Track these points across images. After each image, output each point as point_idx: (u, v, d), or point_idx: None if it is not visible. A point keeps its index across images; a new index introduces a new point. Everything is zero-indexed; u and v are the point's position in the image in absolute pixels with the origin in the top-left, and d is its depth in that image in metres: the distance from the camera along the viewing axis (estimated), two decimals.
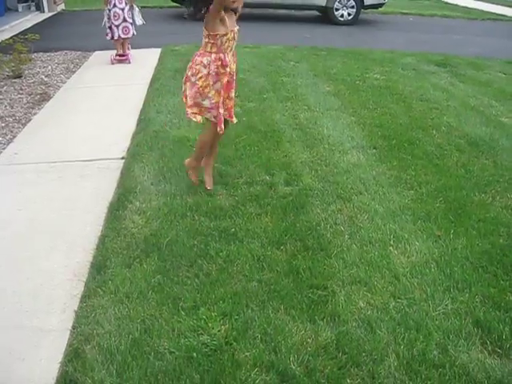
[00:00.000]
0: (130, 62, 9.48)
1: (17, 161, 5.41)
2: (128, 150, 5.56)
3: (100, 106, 7.08)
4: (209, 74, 4.26)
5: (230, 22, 4.21)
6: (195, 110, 4.38)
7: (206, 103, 4.32)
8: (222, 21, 4.13)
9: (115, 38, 9.23)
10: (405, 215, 4.34)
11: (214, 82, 4.29)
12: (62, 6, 17.07)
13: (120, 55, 9.51)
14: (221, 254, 3.74)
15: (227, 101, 4.50)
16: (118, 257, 3.72)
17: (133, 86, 8.02)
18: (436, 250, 3.89)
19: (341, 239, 3.97)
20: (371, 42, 12.40)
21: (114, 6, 8.98)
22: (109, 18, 9.11)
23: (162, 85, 7.77)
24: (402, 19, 16.79)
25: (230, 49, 4.29)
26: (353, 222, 4.20)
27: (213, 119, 4.38)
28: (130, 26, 9.19)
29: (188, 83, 4.38)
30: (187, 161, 4.69)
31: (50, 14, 15.90)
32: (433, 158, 5.50)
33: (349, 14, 14.87)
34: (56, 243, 3.94)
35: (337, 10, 14.82)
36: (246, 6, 14.19)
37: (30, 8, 16.30)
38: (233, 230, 4.03)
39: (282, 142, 5.73)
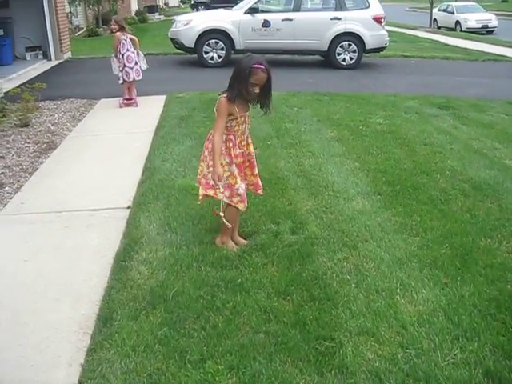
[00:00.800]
0: (137, 105, 9.92)
1: (24, 210, 5.46)
2: (134, 199, 5.60)
3: (105, 155, 7.17)
4: (220, 153, 4.32)
5: (241, 106, 4.28)
6: (210, 191, 4.41)
7: (221, 184, 4.34)
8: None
9: (130, 79, 9.69)
10: (411, 262, 4.34)
11: (229, 164, 4.35)
12: (68, 54, 17.40)
13: (127, 99, 9.92)
14: (227, 305, 3.74)
15: (252, 177, 4.64)
16: (125, 309, 3.72)
17: (138, 133, 8.12)
18: (443, 297, 3.87)
19: (347, 288, 3.96)
20: (373, 85, 12.53)
21: (127, 50, 9.65)
22: (120, 62, 9.59)
23: (167, 133, 7.85)
24: (403, 62, 16.99)
25: (241, 132, 4.38)
26: (359, 271, 4.20)
27: (225, 200, 4.40)
28: (140, 70, 9.79)
29: (204, 163, 4.46)
30: (217, 240, 4.62)
31: (57, 62, 16.21)
32: (438, 203, 5.52)
33: (351, 58, 15.08)
34: (62, 295, 3.95)
35: (339, 54, 15.04)
36: (249, 51, 14.54)
37: (37, 56, 16.65)
38: (239, 280, 4.03)
39: (286, 190, 5.76)
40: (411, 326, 3.55)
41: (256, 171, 4.66)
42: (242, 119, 4.33)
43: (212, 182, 4.32)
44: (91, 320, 3.64)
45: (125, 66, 9.66)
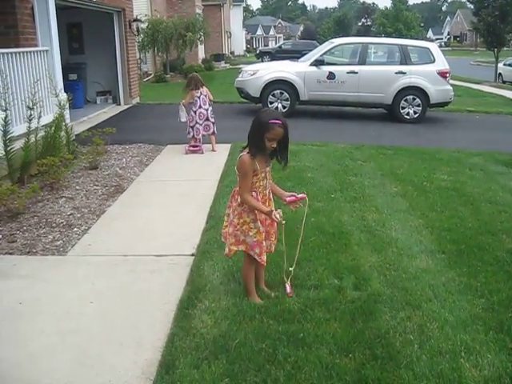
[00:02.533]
0: (202, 153, 10.22)
1: (91, 252, 5.63)
2: (198, 246, 5.69)
3: (171, 201, 7.34)
4: (243, 211, 4.40)
5: (262, 162, 4.34)
6: (242, 247, 4.47)
7: (249, 240, 4.42)
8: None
9: (199, 137, 10.16)
10: (476, 325, 4.25)
11: (253, 221, 4.40)
12: (136, 99, 17.94)
13: (193, 146, 10.27)
14: (289, 359, 3.74)
15: (273, 236, 4.64)
16: (187, 357, 3.76)
17: (203, 181, 8.28)
18: (510, 364, 3.77)
19: (410, 349, 3.91)
20: (437, 140, 12.47)
21: (200, 107, 10.16)
22: (193, 119, 10.08)
23: (232, 181, 7.93)
24: (467, 117, 16.83)
25: (262, 187, 4.42)
26: (422, 331, 4.14)
27: (256, 257, 4.46)
28: (211, 125, 10.35)
29: (229, 220, 4.57)
30: (247, 298, 4.63)
31: (126, 107, 16.75)
32: (504, 265, 5.41)
33: (415, 112, 15.05)
34: (126, 339, 4.02)
35: (403, 108, 15.03)
36: (312, 103, 14.74)
37: (107, 100, 17.28)
38: (301, 334, 4.03)
39: (350, 245, 5.76)
40: None
41: (276, 227, 4.65)
42: (263, 175, 4.37)
43: (242, 238, 4.41)
44: (154, 366, 3.69)
45: (196, 122, 10.17)
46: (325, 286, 4.81)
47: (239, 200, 4.40)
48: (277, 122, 4.17)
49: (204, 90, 10.29)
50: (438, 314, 4.39)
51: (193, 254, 5.51)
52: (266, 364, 3.69)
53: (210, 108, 10.34)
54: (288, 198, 4.46)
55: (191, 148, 10.34)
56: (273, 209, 4.35)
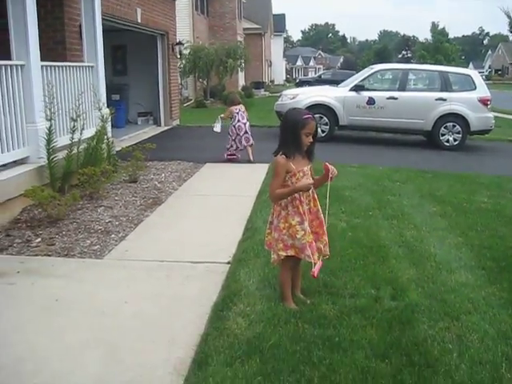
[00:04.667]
0: (238, 159, 11.39)
1: (127, 257, 5.67)
2: (234, 255, 5.68)
3: (208, 214, 7.36)
4: (288, 214, 4.38)
5: (299, 162, 4.33)
6: (291, 251, 4.42)
7: (298, 243, 4.38)
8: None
9: (240, 147, 11.21)
10: None
11: (300, 223, 4.36)
12: (177, 122, 18.20)
13: (231, 154, 11.35)
14: (324, 361, 3.68)
15: (324, 236, 4.58)
16: (220, 355, 3.73)
17: (241, 197, 8.30)
18: None
19: (449, 357, 3.82)
20: (477, 167, 12.30)
21: (238, 121, 11.15)
22: (233, 133, 11.14)
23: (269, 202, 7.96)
24: (508, 146, 16.60)
25: None
26: (461, 341, 4.04)
27: (308, 259, 4.41)
28: (250, 137, 11.24)
29: (272, 226, 4.52)
30: (283, 303, 4.57)
31: (166, 128, 17.01)
32: None
33: (454, 140, 14.92)
34: (159, 337, 4.01)
35: (443, 135, 14.92)
36: (351, 128, 14.77)
37: (148, 121, 17.56)
38: (337, 339, 3.97)
39: (387, 258, 5.69)
40: None
41: (325, 229, 4.58)
42: (301, 174, 4.33)
43: (290, 242, 4.37)
44: (186, 363, 3.67)
45: (237, 135, 11.09)
46: (361, 295, 4.74)
47: (283, 204, 4.39)
48: (309, 116, 4.23)
49: (242, 107, 11.40)
50: (478, 326, 4.29)
51: (229, 262, 5.50)
52: (300, 365, 3.64)
53: (248, 123, 11.30)
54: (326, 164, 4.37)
55: (229, 156, 11.31)
56: (305, 183, 4.27)
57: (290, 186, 4.32)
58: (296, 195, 4.35)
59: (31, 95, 7.46)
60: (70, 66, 8.83)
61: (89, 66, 9.59)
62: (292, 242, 4.39)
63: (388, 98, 14.99)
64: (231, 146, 11.22)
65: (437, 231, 6.75)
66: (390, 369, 3.65)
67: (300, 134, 4.21)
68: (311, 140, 4.28)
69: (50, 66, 8.13)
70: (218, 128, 11.49)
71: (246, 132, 11.15)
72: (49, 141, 7.45)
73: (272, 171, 4.39)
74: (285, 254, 4.42)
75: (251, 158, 11.24)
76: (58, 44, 10.04)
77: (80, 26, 10.09)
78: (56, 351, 3.81)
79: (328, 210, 4.50)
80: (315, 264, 4.38)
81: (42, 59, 7.75)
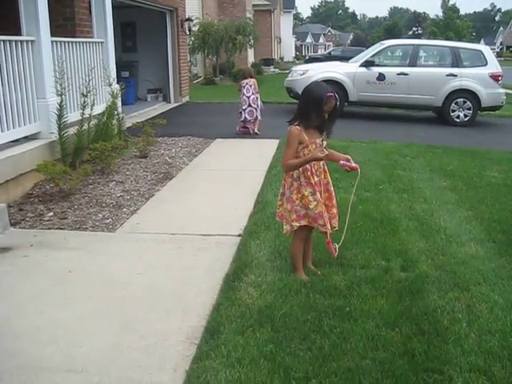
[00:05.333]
0: (252, 133, 11.70)
1: (139, 230, 5.71)
2: (245, 228, 5.72)
3: (219, 188, 7.39)
4: (301, 185, 4.43)
5: (312, 134, 4.38)
6: (304, 221, 4.49)
7: (311, 213, 4.43)
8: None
9: (242, 119, 11.59)
10: None
11: (312, 193, 4.41)
12: (186, 98, 18.17)
13: (243, 127, 11.75)
14: (334, 330, 3.73)
15: (333, 209, 4.63)
16: (232, 324, 3.79)
17: (251, 171, 8.32)
18: None
19: (458, 326, 3.85)
20: (488, 142, 12.23)
21: (243, 94, 11.46)
22: (240, 105, 11.63)
23: (280, 172, 7.94)
24: None
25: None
26: (471, 311, 4.08)
27: (321, 228, 4.48)
28: (254, 111, 11.48)
29: (284, 198, 4.57)
30: (294, 274, 4.64)
31: (176, 105, 16.99)
32: None
33: (465, 116, 14.83)
34: (171, 307, 4.07)
35: (453, 111, 14.83)
36: (361, 104, 14.72)
37: (157, 98, 17.55)
38: (347, 308, 4.02)
39: (397, 231, 5.72)
40: None
41: (334, 201, 4.65)
42: (313, 146, 4.36)
43: (303, 212, 4.43)
44: (199, 332, 3.72)
45: (249, 105, 11.42)
46: (372, 266, 4.79)
47: (294, 175, 4.43)
48: (332, 94, 4.24)
49: (251, 80, 11.56)
50: (488, 297, 4.32)
51: (239, 235, 5.54)
52: (311, 334, 3.69)
53: (253, 96, 11.46)
54: (342, 162, 4.42)
55: (241, 129, 11.73)
56: (317, 153, 4.31)
57: (303, 157, 4.35)
58: (307, 166, 4.38)
59: (42, 71, 7.48)
60: (79, 42, 8.83)
61: (99, 42, 9.57)
62: (305, 211, 4.44)
63: (398, 74, 14.89)
64: (240, 116, 11.61)
65: (447, 205, 6.76)
66: (400, 337, 3.69)
67: (321, 110, 4.25)
68: (327, 117, 4.32)
69: (61, 42, 8.12)
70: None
71: (249, 105, 11.38)
72: (60, 116, 7.47)
73: (286, 140, 4.42)
74: (298, 224, 4.46)
75: (254, 130, 11.69)
76: (67, 20, 10.01)
77: (89, 1, 10.06)
78: (71, 321, 3.87)
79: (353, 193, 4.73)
80: (328, 233, 4.47)
81: (51, 35, 7.75)
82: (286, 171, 4.52)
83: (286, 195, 4.53)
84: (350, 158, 4.47)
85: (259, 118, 11.66)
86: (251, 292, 4.25)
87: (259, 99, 11.68)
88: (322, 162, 4.49)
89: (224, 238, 5.47)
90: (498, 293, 4.40)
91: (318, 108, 4.25)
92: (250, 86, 11.45)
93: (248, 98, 11.38)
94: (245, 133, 11.65)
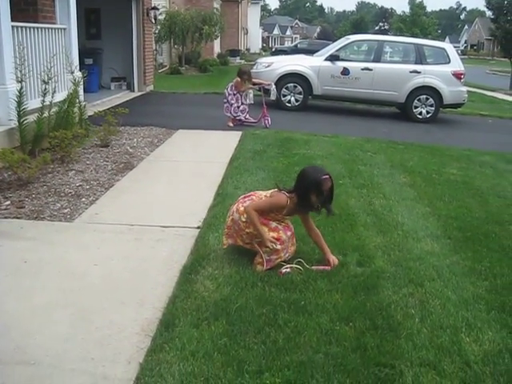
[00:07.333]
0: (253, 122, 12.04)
1: (97, 220, 5.66)
2: (204, 220, 5.72)
3: (180, 179, 7.37)
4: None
5: (292, 212, 4.68)
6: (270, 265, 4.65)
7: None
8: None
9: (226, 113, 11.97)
10: (478, 304, 4.25)
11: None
12: (150, 87, 18.02)
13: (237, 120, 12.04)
14: (289, 324, 3.76)
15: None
16: (187, 317, 3.79)
17: (213, 163, 8.30)
18: (510, 340, 3.78)
19: (411, 322, 3.92)
20: (448, 139, 12.44)
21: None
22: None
23: (241, 164, 8.01)
24: (480, 120, 16.76)
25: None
26: (424, 307, 4.15)
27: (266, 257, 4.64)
28: (229, 106, 11.86)
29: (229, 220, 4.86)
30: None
31: (139, 94, 16.86)
32: (509, 252, 5.40)
33: (427, 112, 15.03)
34: (127, 299, 4.05)
35: (416, 107, 15.02)
36: (325, 98, 14.78)
37: (121, 87, 17.38)
38: (302, 302, 4.05)
39: (355, 226, 5.77)
40: (475, 364, 3.47)
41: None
42: (283, 221, 4.71)
43: (274, 257, 4.62)
44: (154, 324, 3.72)
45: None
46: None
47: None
48: (327, 176, 4.47)
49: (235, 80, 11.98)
50: (441, 293, 4.39)
51: (198, 227, 5.53)
52: (266, 327, 3.71)
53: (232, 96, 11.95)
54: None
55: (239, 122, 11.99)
56: (269, 238, 4.52)
57: (265, 225, 4.58)
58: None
59: (1, 56, 7.35)
60: (41, 28, 8.68)
61: (61, 28, 9.43)
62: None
63: (363, 69, 14.99)
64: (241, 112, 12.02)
65: (405, 201, 6.84)
66: (354, 332, 3.73)
67: (320, 193, 4.46)
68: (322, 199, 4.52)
69: (21, 27, 7.99)
70: (273, 96, 12.49)
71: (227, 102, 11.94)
72: (19, 103, 7.35)
73: (271, 200, 4.61)
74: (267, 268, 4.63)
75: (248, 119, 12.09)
76: (29, 5, 9.78)
77: None
78: (24, 312, 3.82)
79: None
80: None
81: (12, 20, 7.61)
82: (243, 212, 4.62)
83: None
84: (334, 262, 4.72)
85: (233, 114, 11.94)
86: (208, 285, 4.25)
87: (243, 96, 12.01)
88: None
89: (183, 229, 5.45)
90: (451, 289, 4.47)
91: (318, 191, 4.43)
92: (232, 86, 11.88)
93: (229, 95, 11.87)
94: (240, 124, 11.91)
